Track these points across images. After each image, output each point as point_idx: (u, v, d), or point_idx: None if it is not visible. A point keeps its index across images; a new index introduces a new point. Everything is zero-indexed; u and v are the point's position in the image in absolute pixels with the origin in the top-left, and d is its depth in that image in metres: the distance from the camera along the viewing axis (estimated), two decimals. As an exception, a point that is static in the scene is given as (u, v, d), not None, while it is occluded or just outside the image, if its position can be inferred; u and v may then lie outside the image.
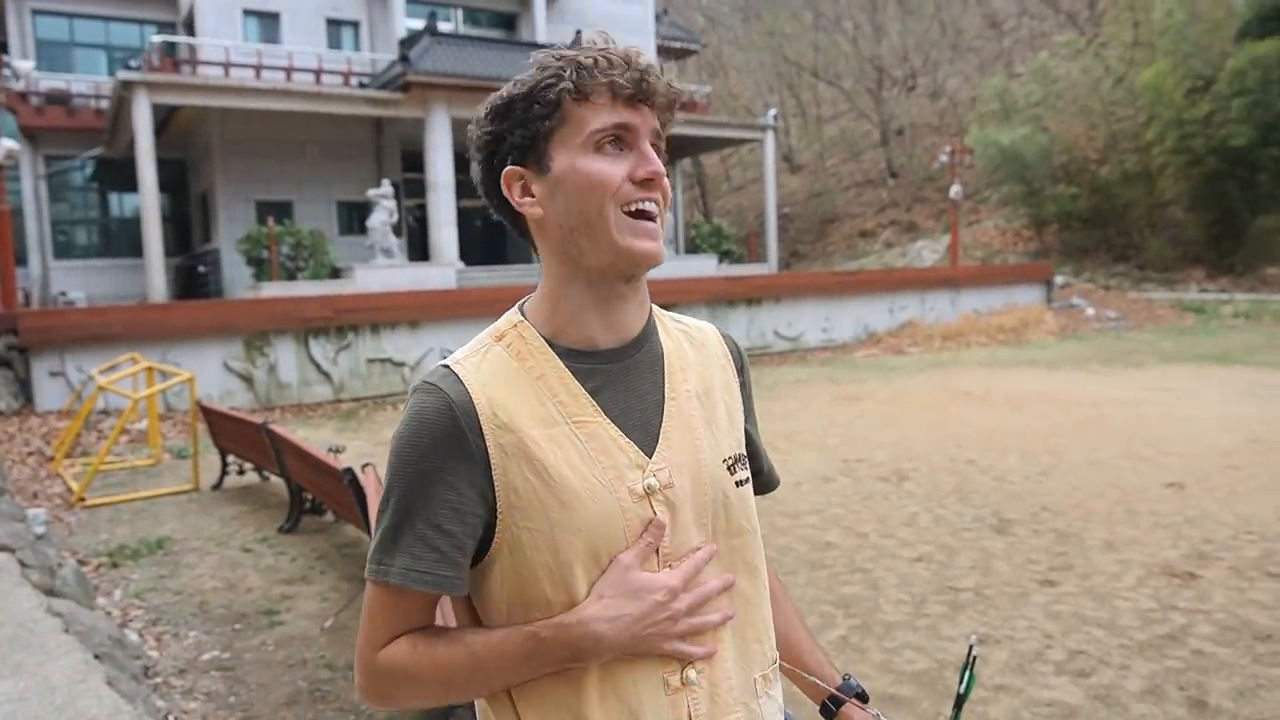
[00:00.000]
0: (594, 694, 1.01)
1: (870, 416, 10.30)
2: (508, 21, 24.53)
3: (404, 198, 21.50)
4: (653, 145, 1.05)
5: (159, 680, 3.69)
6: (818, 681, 1.27)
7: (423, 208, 20.73)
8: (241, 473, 7.69)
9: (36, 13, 21.64)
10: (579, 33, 22.25)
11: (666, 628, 1.01)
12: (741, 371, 1.22)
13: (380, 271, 17.22)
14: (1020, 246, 27.64)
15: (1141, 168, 24.68)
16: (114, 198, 23.33)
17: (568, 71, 1.01)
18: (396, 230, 18.67)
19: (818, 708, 1.28)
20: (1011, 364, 14.90)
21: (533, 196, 1.05)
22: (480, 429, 1.00)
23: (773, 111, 27.74)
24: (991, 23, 37.17)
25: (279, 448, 6.10)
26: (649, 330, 1.11)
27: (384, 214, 17.87)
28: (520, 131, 1.04)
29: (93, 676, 3.04)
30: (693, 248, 24.65)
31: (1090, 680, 3.58)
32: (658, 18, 28.45)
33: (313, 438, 9.01)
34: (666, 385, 1.10)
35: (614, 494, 1.02)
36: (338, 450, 5.76)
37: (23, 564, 4.04)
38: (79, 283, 21.52)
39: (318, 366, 12.63)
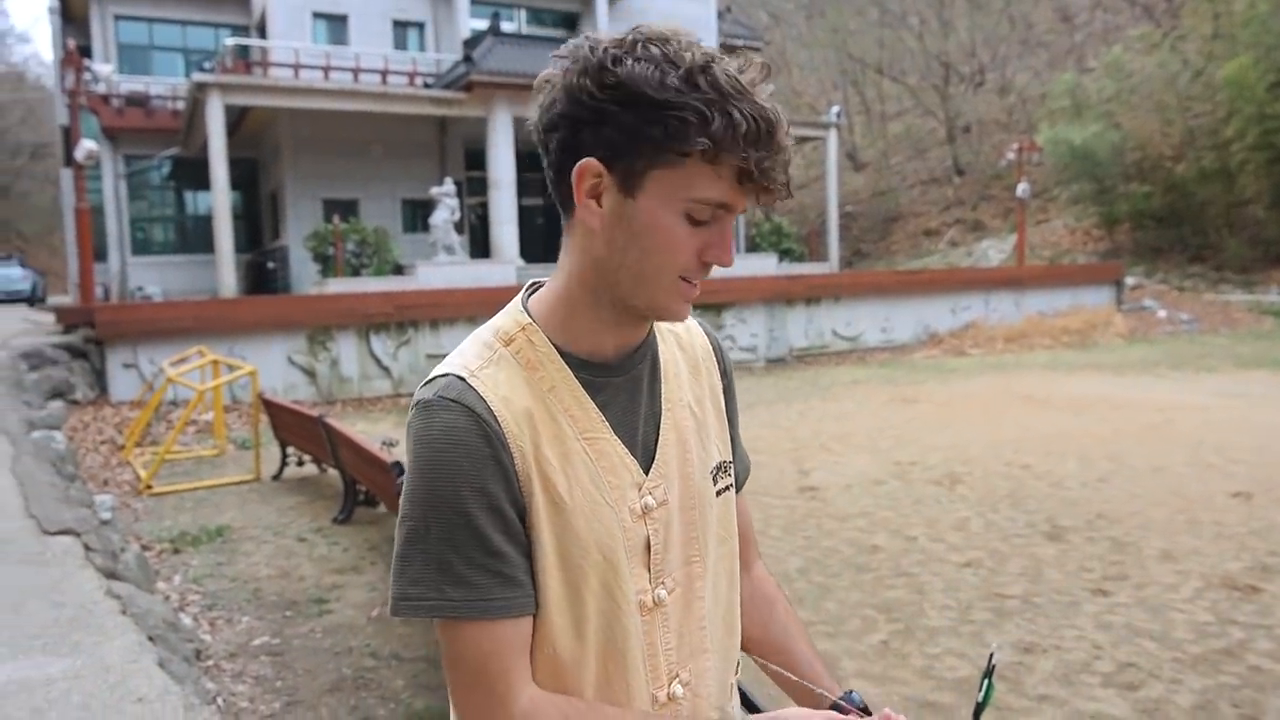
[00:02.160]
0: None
1: (926, 419, 10.15)
2: (570, 21, 24.68)
3: (466, 196, 21.79)
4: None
5: (210, 663, 3.82)
6: (824, 692, 1.19)
7: (484, 205, 20.99)
8: (300, 464, 7.90)
9: (119, 18, 22.46)
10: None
11: None
12: (725, 374, 1.19)
13: (442, 268, 17.48)
14: (1090, 246, 26.91)
15: (1220, 165, 23.83)
16: (189, 195, 24.11)
17: (715, 121, 0.89)
18: (458, 228, 18.93)
19: None
20: (1076, 367, 14.54)
21: (600, 206, 0.95)
22: (508, 446, 0.95)
23: (835, 109, 27.45)
24: (1063, 16, 36.24)
25: (334, 440, 6.25)
26: (650, 338, 1.09)
27: (446, 211, 18.13)
28: (628, 135, 0.91)
29: (145, 658, 3.16)
30: (753, 246, 24.53)
31: (1138, 694, 3.49)
32: (720, 15, 28.38)
33: (371, 431, 9.20)
34: (664, 396, 1.08)
35: (617, 514, 1.01)
36: (391, 444, 5.87)
37: (87, 548, 4.22)
38: (155, 278, 22.30)
39: (378, 361, 12.88)
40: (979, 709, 1.37)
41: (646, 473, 1.04)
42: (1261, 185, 23.35)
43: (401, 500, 0.97)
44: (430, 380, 0.98)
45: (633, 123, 0.90)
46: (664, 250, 0.95)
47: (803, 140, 28.86)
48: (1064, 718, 3.32)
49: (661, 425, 1.07)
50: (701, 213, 0.94)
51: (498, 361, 0.99)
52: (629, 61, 0.90)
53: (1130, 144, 25.63)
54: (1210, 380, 12.55)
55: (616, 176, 0.93)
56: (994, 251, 27.77)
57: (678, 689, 1.06)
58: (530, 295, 1.06)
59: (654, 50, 0.91)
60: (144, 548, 5.50)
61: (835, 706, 1.24)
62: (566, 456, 0.98)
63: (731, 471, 1.16)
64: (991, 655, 1.36)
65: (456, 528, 0.93)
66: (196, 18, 23.32)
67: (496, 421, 0.95)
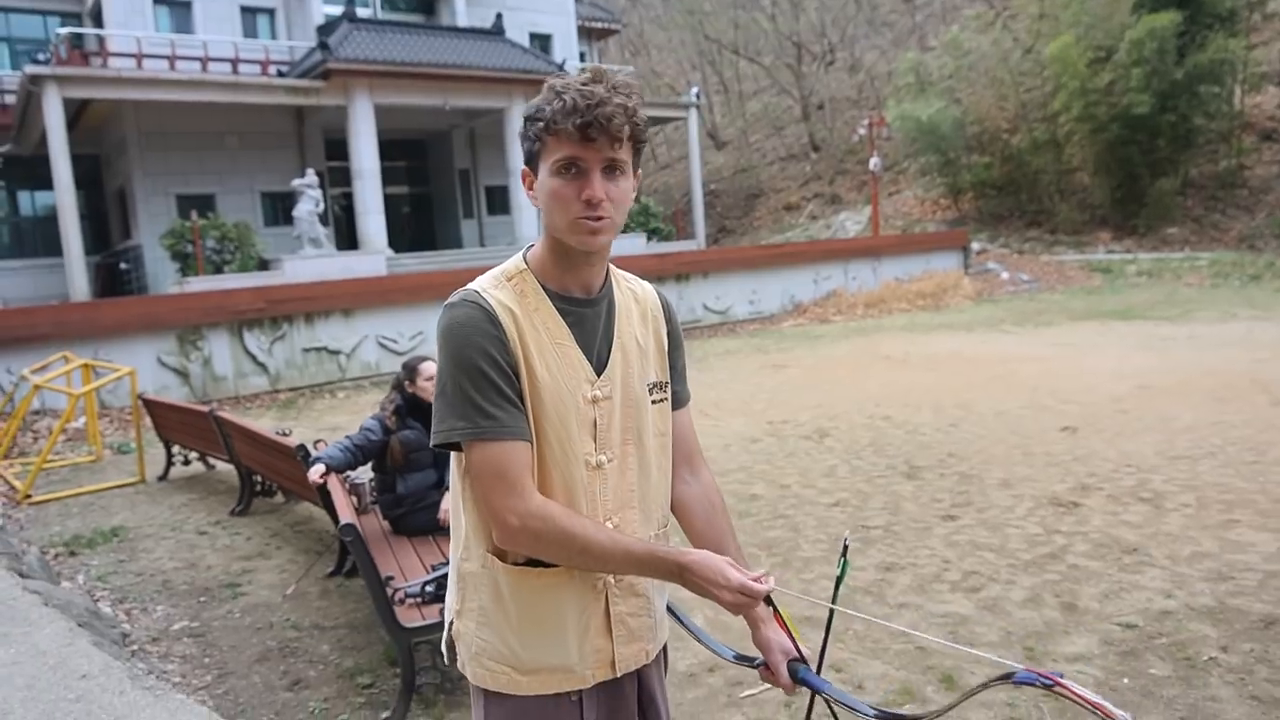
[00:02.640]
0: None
1: (795, 382, 10.81)
2: (427, 5, 24.41)
3: (329, 186, 21.37)
4: (610, 167, 1.42)
5: (135, 647, 3.95)
6: (791, 630, 1.61)
7: (349, 196, 20.67)
8: (187, 463, 7.84)
9: (-68, 7, 20.93)
10: (499, 16, 22.34)
11: (721, 592, 1.42)
12: (669, 321, 1.66)
13: (309, 262, 17.19)
14: (939, 215, 28.53)
15: (1050, 136, 25.65)
16: (24, 196, 22.69)
17: (547, 110, 1.39)
18: (323, 219, 18.60)
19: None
20: (930, 328, 15.59)
21: (532, 192, 1.48)
22: (505, 331, 1.42)
23: (695, 89, 28.13)
24: (904, -3, 38.03)
25: (227, 433, 6.30)
26: (608, 286, 1.56)
27: (310, 204, 17.80)
28: (526, 144, 1.46)
29: (79, 640, 3.30)
30: (622, 227, 24.96)
31: (980, 594, 4.07)
32: (578, -1, 28.56)
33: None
34: (616, 327, 1.55)
35: (574, 396, 1.47)
36: (286, 433, 5.99)
37: (-9, 550, 4.24)
38: (-10, 285, 20.97)
39: (253, 358, 12.68)
40: (838, 581, 1.81)
41: (599, 375, 1.51)
42: (1087, 154, 25.29)
43: (437, 370, 1.45)
44: (456, 294, 1.47)
45: (524, 134, 1.45)
46: (557, 200, 1.42)
47: (664, 121, 29.50)
48: (920, 618, 3.86)
49: (613, 346, 1.54)
50: (565, 169, 1.41)
51: (500, 287, 1.48)
52: (534, 99, 1.45)
53: (970, 118, 27.25)
54: (1048, 333, 13.73)
55: (530, 170, 1.48)
56: (851, 223, 29.09)
57: (608, 526, 1.50)
58: (529, 251, 1.54)
59: (546, 85, 1.43)
60: (41, 551, 5.46)
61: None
62: (541, 352, 1.45)
63: (668, 390, 1.63)
64: (845, 540, 1.81)
65: (477, 378, 1.40)
66: (21, 4, 21.92)
67: (497, 315, 1.42)
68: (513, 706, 1.51)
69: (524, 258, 1.52)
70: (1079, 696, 1.26)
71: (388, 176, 20.50)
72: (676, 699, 3.33)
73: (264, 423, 10.32)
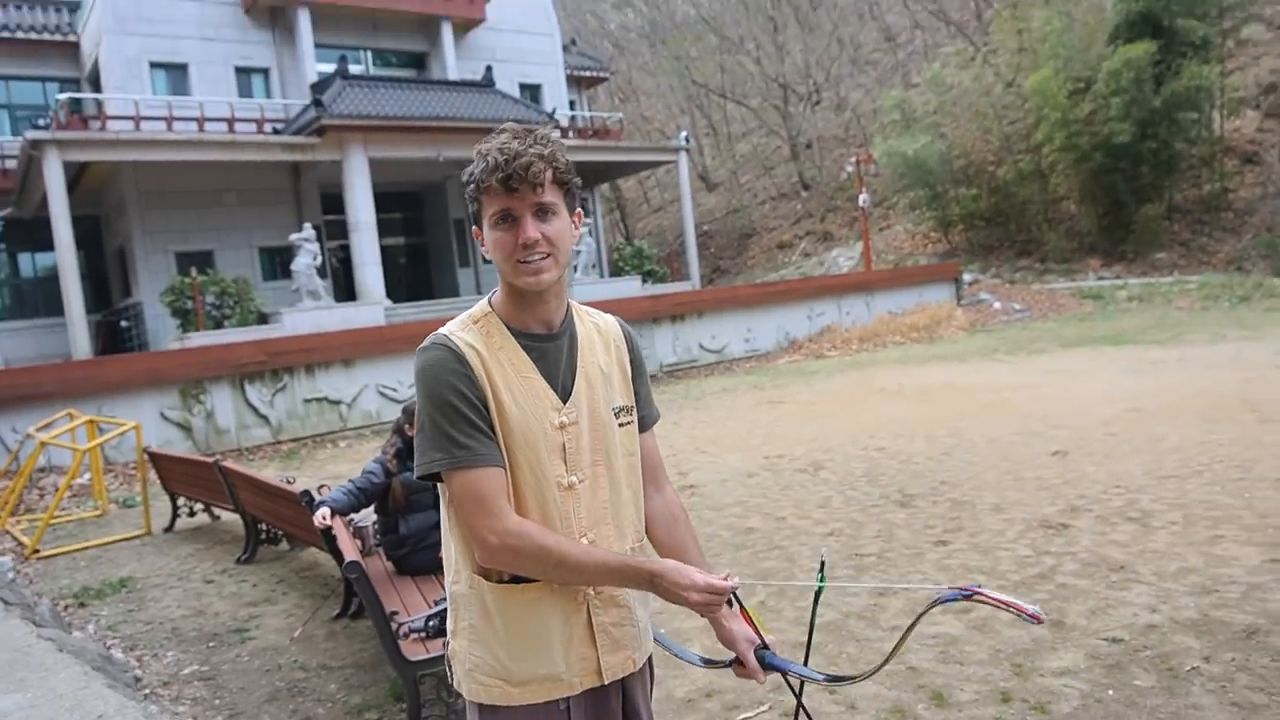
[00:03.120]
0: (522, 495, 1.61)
1: (791, 417, 10.94)
2: (418, 60, 24.91)
3: (326, 239, 21.66)
4: (540, 211, 1.57)
5: (147, 691, 4.04)
6: (758, 624, 1.80)
7: (346, 248, 20.92)
8: (192, 514, 7.95)
9: (-67, 74, 21.35)
10: (488, 68, 22.79)
11: (689, 594, 1.54)
12: (632, 349, 1.81)
13: (308, 314, 17.38)
14: (930, 248, 28.87)
15: (1035, 166, 26.07)
16: (24, 258, 22.95)
17: (476, 172, 1.58)
18: (321, 272, 18.84)
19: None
20: (924, 360, 15.76)
21: (484, 247, 1.63)
22: (472, 369, 1.57)
23: (684, 133, 28.57)
24: (887, 37, 38.76)
25: (232, 482, 6.42)
26: (569, 320, 1.70)
27: (308, 257, 18.03)
28: (469, 205, 1.64)
29: (94, 683, 3.40)
30: (616, 270, 25.26)
31: (970, 615, 4.17)
32: (565, 48, 29.12)
33: (257, 477, 9.26)
34: (579, 358, 1.69)
35: (541, 424, 1.61)
36: (290, 481, 6.10)
37: (4, 601, 4.34)
38: (-8, 346, 21.15)
39: (255, 410, 12.81)
40: (817, 594, 1.96)
41: (564, 402, 1.65)
42: (1072, 183, 25.69)
43: (416, 409, 1.60)
44: (428, 339, 1.62)
45: (464, 195, 1.63)
46: (499, 249, 1.59)
47: (654, 164, 29.94)
48: (911, 640, 3.94)
49: (576, 375, 1.68)
50: (500, 220, 1.58)
51: (466, 330, 1.64)
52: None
53: (956, 152, 27.70)
54: (1040, 361, 13.89)
55: (478, 227, 1.64)
56: (844, 259, 29.41)
57: (583, 541, 1.63)
58: (493, 296, 1.69)
59: (475, 150, 1.60)
60: (52, 602, 5.55)
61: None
62: (508, 385, 1.60)
63: (634, 414, 1.77)
64: (822, 557, 1.99)
65: (450, 412, 1.54)
66: (21, 72, 22.33)
67: (464, 354, 1.58)
68: (505, 717, 1.62)
69: (489, 302, 1.68)
70: (994, 599, 1.48)
71: (384, 228, 20.76)
72: (676, 724, 3.42)
73: (268, 473, 10.42)
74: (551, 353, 1.65)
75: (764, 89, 37.53)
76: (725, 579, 1.58)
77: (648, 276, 24.32)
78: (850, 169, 26.23)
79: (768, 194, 37.08)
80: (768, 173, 38.00)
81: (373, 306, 18.83)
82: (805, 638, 4.03)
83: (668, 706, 3.57)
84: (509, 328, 1.64)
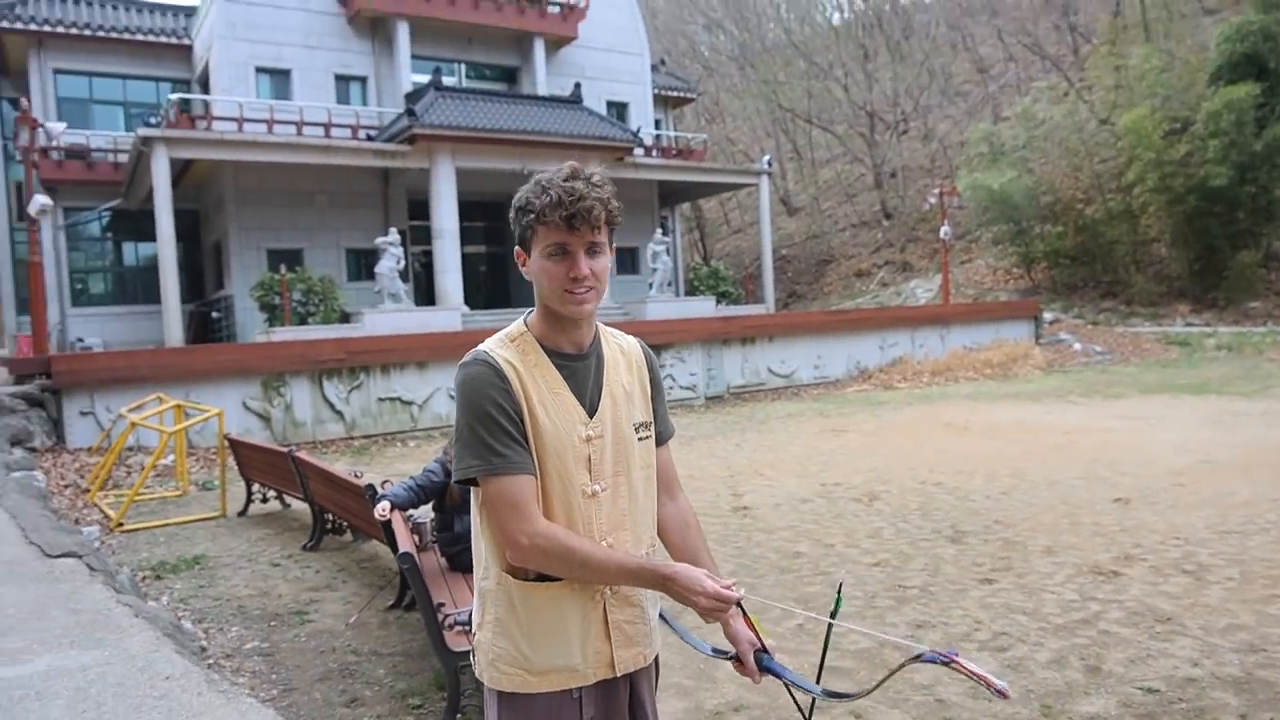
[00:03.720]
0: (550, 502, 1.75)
1: (853, 447, 10.91)
2: (510, 75, 25.54)
3: (410, 244, 22.30)
4: (592, 248, 1.72)
5: (211, 661, 4.30)
6: (758, 629, 1.88)
7: (428, 254, 21.53)
8: (265, 500, 8.32)
9: (58, 72, 22.67)
10: (577, 85, 23.24)
11: (698, 599, 1.67)
12: (651, 370, 1.95)
13: (388, 315, 17.93)
14: (1011, 284, 28.35)
15: (1125, 206, 25.44)
16: (129, 247, 24.17)
17: (537, 204, 1.70)
18: (403, 276, 19.41)
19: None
20: (996, 397, 15.51)
21: (525, 268, 1.78)
22: (509, 383, 1.71)
23: (766, 157, 28.66)
24: (979, 68, 38.28)
25: (303, 472, 6.73)
26: (597, 342, 1.86)
27: (391, 260, 18.60)
28: (519, 230, 1.76)
29: (164, 649, 3.67)
30: (691, 290, 25.42)
31: (1007, 653, 4.18)
32: (654, 68, 29.49)
33: (328, 470, 9.64)
34: (605, 377, 1.84)
35: (569, 437, 1.76)
36: (358, 475, 6.38)
37: (90, 568, 4.67)
38: (95, 329, 22.31)
39: (331, 405, 13.29)
40: (833, 613, 2.08)
41: (591, 417, 1.80)
42: (1163, 225, 25.00)
43: (456, 419, 1.75)
44: (468, 355, 1.77)
45: (517, 222, 1.75)
46: (549, 277, 1.72)
47: (736, 187, 30.07)
48: (944, 673, 3.98)
49: (603, 393, 1.83)
50: (554, 252, 1.71)
51: (505, 347, 1.79)
52: (521, 190, 1.75)
53: (1043, 188, 27.18)
54: (1116, 405, 13.56)
55: (524, 252, 1.78)
56: (922, 290, 29.07)
57: (603, 544, 1.78)
58: (528, 316, 1.84)
59: (533, 181, 1.73)
60: (131, 572, 5.91)
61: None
62: (541, 400, 1.75)
63: (652, 429, 1.91)
64: (840, 582, 2.14)
65: (489, 423, 1.69)
66: (137, 72, 23.60)
67: (503, 370, 1.73)
68: (522, 704, 1.77)
69: (525, 322, 1.84)
70: (968, 671, 1.60)
71: (466, 236, 21.29)
72: (702, 734, 3.52)
73: (338, 467, 10.82)
74: (580, 371, 1.80)
75: (850, 116, 37.40)
76: (730, 588, 1.70)
77: (722, 298, 24.41)
78: (933, 200, 25.94)
79: (848, 221, 36.87)
80: (849, 200, 37.79)
81: (450, 312, 19.33)
82: (835, 660, 4.09)
83: (696, 717, 3.68)
84: (543, 346, 1.78)
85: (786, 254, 36.80)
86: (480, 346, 1.79)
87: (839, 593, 2.10)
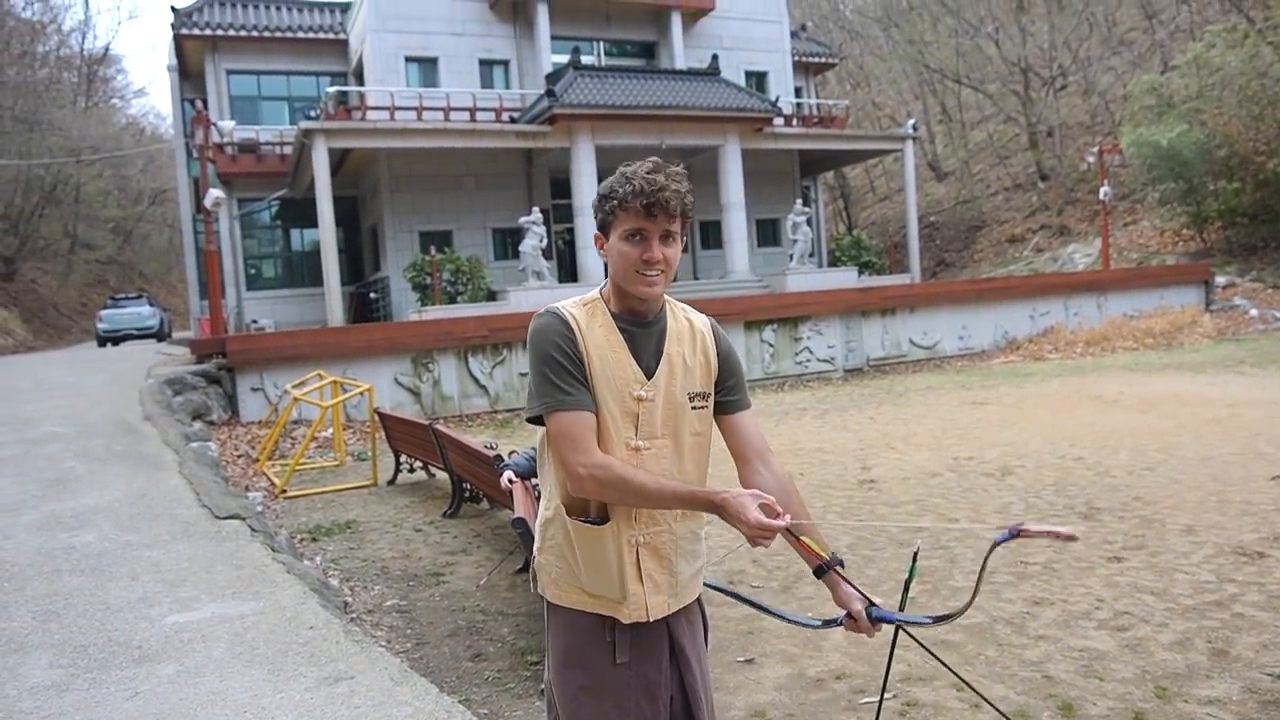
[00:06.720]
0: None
1: (991, 420, 10.60)
2: (648, 50, 25.68)
3: (553, 223, 22.89)
4: (666, 236, 1.90)
5: (353, 615, 4.71)
6: (820, 552, 1.98)
7: (571, 231, 22.05)
8: (412, 470, 8.88)
9: (230, 72, 24.41)
10: (714, 57, 23.15)
11: (742, 526, 1.77)
12: (719, 346, 2.08)
13: (532, 293, 18.51)
14: (1180, 247, 26.48)
15: (1314, 159, 23.30)
16: (295, 233, 25.86)
17: (620, 191, 1.88)
18: (547, 254, 19.96)
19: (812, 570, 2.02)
20: (1155, 368, 14.65)
21: (603, 251, 1.97)
22: (575, 334, 1.90)
23: (911, 121, 27.76)
24: (1147, 14, 35.62)
25: (443, 444, 7.16)
26: (662, 315, 2.02)
27: (535, 239, 19.16)
28: (600, 215, 1.95)
29: (310, 602, 4.06)
30: (833, 261, 25.03)
31: (1126, 634, 4.07)
32: (794, 34, 28.99)
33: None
34: (666, 346, 2.00)
35: (621, 393, 1.92)
36: (492, 447, 6.75)
37: (252, 529, 5.18)
38: (268, 311, 24.07)
39: (476, 380, 13.92)
40: (908, 581, 2.14)
41: (647, 379, 1.95)
42: (1358, 177, 22.75)
43: (529, 365, 1.95)
44: (542, 309, 1.96)
45: (599, 208, 1.95)
46: (624, 259, 1.90)
47: (880, 153, 29.27)
48: (1056, 651, 3.93)
49: (660, 360, 1.98)
50: (631, 236, 1.89)
51: (576, 307, 1.97)
52: (606, 181, 1.95)
53: (1216, 141, 25.14)
54: (1291, 376, 12.58)
55: (602, 235, 1.97)
56: (1080, 256, 27.56)
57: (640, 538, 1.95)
58: (603, 288, 2.02)
59: (618, 173, 1.91)
60: (290, 535, 6.49)
61: (824, 565, 2.02)
62: (601, 356, 1.92)
63: (709, 400, 2.03)
64: (917, 546, 2.19)
65: (555, 365, 1.88)
66: (300, 68, 25.14)
67: (570, 323, 1.92)
68: (571, 616, 1.98)
69: (599, 292, 2.02)
70: (1036, 531, 1.73)
71: (606, 213, 21.60)
72: (802, 700, 3.63)
73: (480, 439, 11.37)
74: (642, 337, 1.96)
75: (1003, 73, 35.59)
76: (779, 517, 1.80)
77: (865, 268, 23.93)
78: (1092, 159, 24.48)
79: (1001, 185, 35.27)
80: (1002, 162, 36.10)
81: (592, 288, 19.54)
82: (945, 634, 4.08)
83: (798, 684, 3.78)
84: (611, 312, 1.96)
85: (935, 221, 35.59)
86: (554, 304, 1.97)
87: (915, 560, 2.13)
